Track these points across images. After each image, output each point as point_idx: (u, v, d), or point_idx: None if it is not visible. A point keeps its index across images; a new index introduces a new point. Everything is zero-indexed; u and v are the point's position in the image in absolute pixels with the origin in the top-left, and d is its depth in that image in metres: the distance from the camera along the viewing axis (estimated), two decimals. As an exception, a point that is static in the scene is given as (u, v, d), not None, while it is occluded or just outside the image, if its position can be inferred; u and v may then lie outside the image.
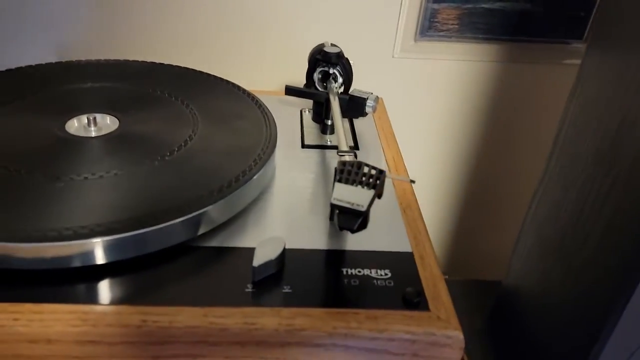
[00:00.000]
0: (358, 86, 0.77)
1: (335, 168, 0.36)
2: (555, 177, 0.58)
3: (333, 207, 0.33)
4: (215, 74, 0.56)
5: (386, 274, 0.37)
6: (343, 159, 0.38)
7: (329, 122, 0.53)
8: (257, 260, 0.35)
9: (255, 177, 0.41)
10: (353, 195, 0.33)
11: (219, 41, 0.76)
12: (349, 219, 0.33)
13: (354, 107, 0.52)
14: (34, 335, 0.31)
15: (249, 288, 0.35)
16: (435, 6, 0.80)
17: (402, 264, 0.38)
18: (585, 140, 0.52)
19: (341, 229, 0.34)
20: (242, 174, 0.41)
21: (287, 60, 0.76)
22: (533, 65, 0.81)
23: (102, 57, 0.57)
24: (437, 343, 0.33)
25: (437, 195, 0.91)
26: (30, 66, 0.54)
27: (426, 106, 0.85)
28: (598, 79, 0.51)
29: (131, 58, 0.58)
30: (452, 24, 0.81)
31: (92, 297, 0.33)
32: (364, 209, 0.32)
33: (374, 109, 0.53)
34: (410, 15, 0.80)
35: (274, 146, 0.45)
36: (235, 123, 0.48)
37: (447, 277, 0.86)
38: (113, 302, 0.33)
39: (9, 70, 0.52)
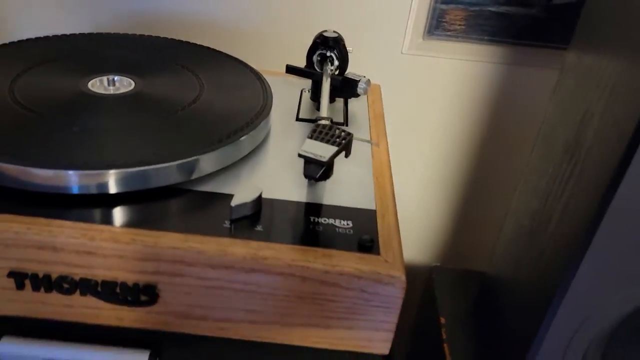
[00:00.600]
0: (369, 75, 0.82)
1: (312, 128, 0.41)
2: (534, 168, 0.62)
3: (300, 156, 0.38)
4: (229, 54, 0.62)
5: (348, 224, 0.42)
6: (320, 122, 0.43)
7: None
8: (235, 201, 0.40)
9: (245, 136, 0.47)
10: (319, 149, 0.39)
11: (240, 28, 0.83)
12: (313, 169, 0.38)
13: (347, 88, 0.57)
14: (43, 242, 0.37)
15: (227, 224, 0.40)
16: (443, 7, 0.85)
17: (364, 218, 0.43)
18: (558, 132, 0.56)
19: (306, 176, 0.39)
20: (233, 131, 0.46)
21: (297, 47, 0.81)
22: (537, 68, 0.85)
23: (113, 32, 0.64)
24: (381, 281, 0.38)
25: (436, 186, 0.95)
26: (65, 35, 0.61)
27: (430, 101, 0.89)
28: (574, 78, 0.55)
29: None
30: (459, 25, 0.86)
31: (92, 218, 0.39)
32: (325, 159, 0.37)
33: (365, 92, 0.58)
34: (419, 14, 0.84)
35: (268, 113, 0.51)
36: (236, 92, 0.54)
37: (438, 264, 0.90)
38: (109, 224, 0.39)
39: (46, 37, 0.60)
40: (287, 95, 0.61)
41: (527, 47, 0.85)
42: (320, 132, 0.40)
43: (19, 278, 0.39)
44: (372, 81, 0.83)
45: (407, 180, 0.95)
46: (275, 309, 0.40)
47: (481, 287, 0.76)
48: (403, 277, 0.38)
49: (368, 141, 0.42)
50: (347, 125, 0.56)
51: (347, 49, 0.60)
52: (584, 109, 0.50)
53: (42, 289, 0.39)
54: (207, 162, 0.45)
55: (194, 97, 0.52)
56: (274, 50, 0.83)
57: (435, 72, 0.88)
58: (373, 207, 0.44)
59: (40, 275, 0.39)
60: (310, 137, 0.40)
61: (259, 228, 0.40)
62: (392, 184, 0.49)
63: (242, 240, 0.39)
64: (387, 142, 0.55)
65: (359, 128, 0.56)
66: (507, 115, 0.89)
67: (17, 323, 0.41)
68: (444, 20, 0.86)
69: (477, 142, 0.91)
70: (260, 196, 0.42)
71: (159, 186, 0.43)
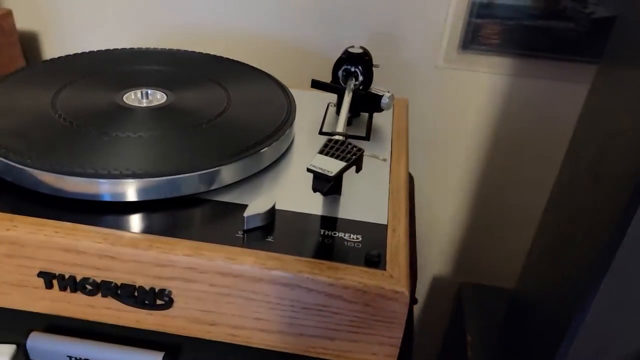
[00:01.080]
0: (400, 91, 0.83)
1: (324, 143, 0.42)
2: (562, 185, 0.60)
3: (308, 171, 0.39)
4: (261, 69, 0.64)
5: (357, 238, 0.43)
6: (333, 137, 0.44)
7: (348, 115, 0.59)
8: (248, 212, 0.42)
9: (266, 149, 0.49)
10: (328, 164, 0.40)
11: (276, 44, 0.86)
12: (321, 183, 0.39)
13: (371, 103, 0.58)
14: (68, 245, 0.40)
15: (239, 234, 0.42)
16: (479, 21, 0.84)
17: (374, 233, 0.43)
18: (584, 150, 0.55)
19: (315, 190, 0.40)
20: (254, 144, 0.48)
21: (330, 63, 0.83)
22: (573, 83, 0.83)
23: (167, 47, 0.67)
24: (385, 296, 0.38)
25: (465, 201, 0.94)
26: (109, 49, 0.65)
27: (463, 115, 0.89)
28: (602, 94, 0.54)
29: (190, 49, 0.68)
30: (495, 39, 0.85)
31: (114, 225, 0.42)
32: (332, 175, 0.38)
33: (389, 107, 0.58)
34: (454, 28, 0.84)
35: (289, 126, 0.52)
36: (262, 105, 0.56)
37: (466, 281, 0.89)
38: (129, 230, 0.41)
39: (91, 52, 0.64)
40: (315, 110, 0.63)
41: (564, 62, 0.83)
42: (332, 148, 0.42)
43: (47, 278, 0.42)
44: (405, 95, 0.84)
45: (438, 194, 0.94)
46: (282, 319, 0.41)
47: (508, 306, 0.75)
48: (407, 293, 0.38)
49: (377, 157, 0.43)
50: (368, 140, 0.57)
51: (374, 64, 0.61)
52: (611, 126, 0.49)
53: (68, 289, 0.42)
54: (227, 173, 0.47)
55: (220, 110, 0.54)
56: (307, 66, 0.85)
57: (470, 86, 0.88)
58: (384, 222, 0.45)
59: (66, 276, 0.41)
60: (321, 152, 0.41)
61: (269, 239, 0.42)
62: (407, 200, 0.49)
63: (252, 250, 0.40)
64: (407, 158, 0.55)
65: (380, 142, 0.57)
66: (539, 131, 0.87)
67: (45, 320, 0.44)
68: (479, 34, 0.85)
69: (508, 158, 0.89)
70: (273, 208, 0.43)
71: (179, 195, 0.45)
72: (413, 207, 0.61)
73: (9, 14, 0.77)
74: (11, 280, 0.42)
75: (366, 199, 0.48)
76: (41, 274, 0.42)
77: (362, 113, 0.62)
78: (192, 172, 0.44)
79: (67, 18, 0.88)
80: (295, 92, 0.60)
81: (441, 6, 0.82)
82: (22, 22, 0.87)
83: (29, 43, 0.89)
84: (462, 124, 0.89)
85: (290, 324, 0.41)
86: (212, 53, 0.67)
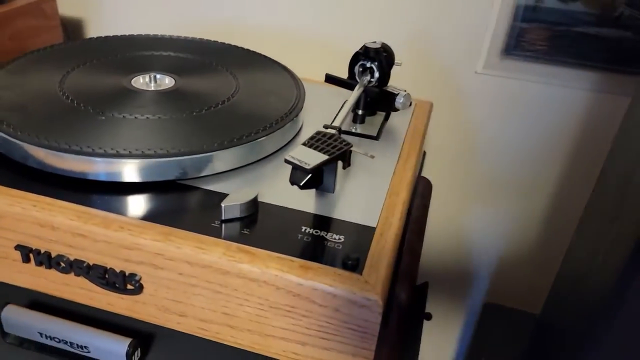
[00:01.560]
0: (437, 96, 0.79)
1: (311, 135, 0.40)
2: (593, 206, 0.55)
3: (285, 161, 0.37)
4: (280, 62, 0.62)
5: (339, 239, 0.40)
6: (326, 130, 0.41)
7: (360, 112, 0.56)
8: (226, 202, 0.40)
9: (262, 139, 0.47)
10: (308, 157, 0.37)
11: (307, 38, 0.84)
12: (298, 175, 0.37)
13: (385, 101, 0.55)
14: (44, 220, 0.40)
15: (216, 224, 0.40)
16: (524, 25, 0.79)
17: (359, 235, 0.40)
18: (616, 167, 0.49)
19: (292, 183, 0.38)
20: (249, 134, 0.46)
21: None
22: (623, 96, 0.76)
23: (183, 35, 0.67)
24: (357, 303, 0.35)
25: (496, 216, 0.88)
26: (128, 35, 0.65)
27: (501, 123, 0.83)
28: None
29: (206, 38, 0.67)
30: (541, 45, 0.79)
31: (93, 204, 0.41)
32: (309, 167, 0.36)
33: (404, 106, 0.55)
34: (497, 32, 0.79)
35: (292, 118, 0.50)
36: (270, 96, 0.54)
37: (491, 302, 0.83)
38: (103, 209, 0.40)
39: (110, 36, 0.64)
40: (328, 104, 0.60)
41: (618, 74, 0.76)
42: (318, 140, 0.39)
43: (24, 252, 0.41)
44: (440, 99, 0.79)
45: (462, 205, 0.89)
46: (250, 317, 0.39)
47: (531, 331, 0.69)
48: (380, 302, 0.35)
49: (365, 154, 0.40)
50: (377, 139, 0.54)
51: (396, 62, 0.58)
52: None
53: (44, 265, 0.42)
54: (218, 160, 0.45)
55: (226, 98, 0.52)
56: (341, 65, 0.83)
57: (511, 94, 0.82)
58: (373, 225, 0.41)
59: (42, 251, 0.41)
60: (305, 144, 0.38)
61: (245, 231, 0.39)
62: (407, 204, 0.45)
63: (223, 241, 0.38)
64: (416, 161, 0.52)
65: (390, 143, 0.54)
66: (580, 147, 0.80)
67: (25, 295, 0.44)
68: (523, 39, 0.80)
69: (542, 174, 0.83)
70: (254, 200, 0.41)
71: (165, 179, 0.43)
72: (424, 215, 0.57)
73: (51, -1, 0.80)
74: (-8, 251, 0.43)
75: (362, 199, 0.44)
76: (18, 247, 0.41)
77: (377, 112, 0.59)
78: (179, 157, 0.43)
79: (109, 5, 0.90)
80: (316, 87, 0.57)
81: (483, 8, 0.77)
82: (66, 9, 0.90)
83: (73, 28, 0.92)
84: (496, 132, 0.84)
85: (259, 323, 0.39)
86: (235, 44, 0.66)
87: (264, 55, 0.64)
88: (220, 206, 0.40)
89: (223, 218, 0.40)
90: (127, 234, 0.38)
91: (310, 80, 0.65)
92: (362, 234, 0.40)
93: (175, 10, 0.87)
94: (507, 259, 0.90)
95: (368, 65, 0.56)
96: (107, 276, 0.40)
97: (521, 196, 0.86)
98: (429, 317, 0.69)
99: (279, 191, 0.44)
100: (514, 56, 0.81)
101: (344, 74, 0.57)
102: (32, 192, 0.41)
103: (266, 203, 0.43)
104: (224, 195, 0.43)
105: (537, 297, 0.85)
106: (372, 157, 0.40)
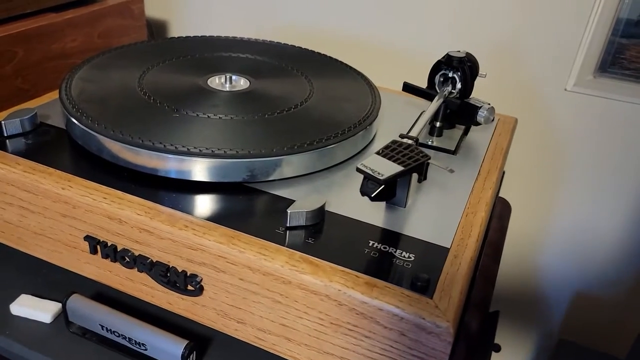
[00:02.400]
0: (521, 112, 0.74)
1: (386, 144, 0.37)
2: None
3: (357, 170, 0.35)
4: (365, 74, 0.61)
5: (409, 257, 0.37)
6: (402, 140, 0.39)
7: (438, 124, 0.53)
8: (292, 208, 0.38)
9: (333, 146, 0.45)
10: (382, 167, 0.35)
11: (389, 48, 0.82)
12: (370, 186, 0.34)
13: (466, 114, 0.52)
14: (112, 213, 0.40)
15: (280, 230, 0.38)
16: (624, 41, 0.73)
17: (431, 255, 0.37)
18: None
19: (362, 194, 0.36)
20: (320, 140, 0.45)
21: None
22: None
23: (267, 39, 0.67)
24: (425, 328, 0.32)
25: (581, 248, 0.81)
26: (210, 36, 0.66)
27: (592, 145, 0.77)
28: None
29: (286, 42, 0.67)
30: (642, 63, 0.73)
31: (158, 199, 0.40)
32: (382, 177, 0.33)
33: (487, 121, 0.51)
34: (592, 48, 0.74)
35: (365, 127, 0.48)
36: (344, 103, 0.52)
37: (567, 338, 0.76)
38: (170, 206, 0.40)
39: (193, 37, 0.65)
40: (406, 114, 0.58)
41: None
42: (393, 150, 0.37)
43: (92, 243, 0.42)
44: (525, 115, 0.75)
45: (548, 232, 0.83)
46: (309, 331, 0.37)
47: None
48: (451, 330, 0.32)
49: (443, 167, 0.37)
50: (455, 154, 0.51)
51: (480, 74, 0.54)
52: None
53: (109, 258, 0.42)
54: (287, 166, 0.44)
55: (300, 102, 0.51)
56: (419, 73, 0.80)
57: (604, 115, 0.76)
58: (447, 245, 0.38)
59: (109, 244, 0.41)
60: (379, 153, 0.36)
61: (309, 240, 0.38)
62: (484, 226, 0.42)
63: (287, 249, 0.37)
64: (496, 180, 0.48)
65: (469, 159, 0.50)
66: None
67: (90, 286, 0.45)
68: (622, 56, 0.74)
69: (630, 202, 0.75)
70: (321, 208, 0.39)
71: (232, 181, 0.43)
72: (501, 238, 0.53)
73: (139, 0, 0.83)
74: (63, 240, 0.43)
75: (436, 217, 0.42)
76: (87, 238, 0.42)
77: (457, 125, 0.56)
78: (248, 158, 0.42)
79: (193, 8, 0.92)
80: (394, 97, 0.55)
81: (578, 20, 0.72)
82: (152, 10, 0.93)
83: (158, 29, 0.95)
84: (584, 155, 0.78)
85: (318, 339, 0.37)
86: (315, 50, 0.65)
87: (341, 62, 0.62)
88: (286, 212, 0.39)
89: (288, 225, 0.39)
90: (191, 233, 0.38)
91: (388, 89, 0.63)
92: (434, 254, 0.38)
93: (258, 14, 0.88)
94: (588, 292, 0.83)
95: (450, 75, 0.53)
96: (169, 275, 0.40)
97: (601, 225, 0.79)
98: (498, 349, 0.65)
99: (347, 201, 0.42)
100: (610, 74, 0.75)
101: (422, 84, 0.55)
102: (104, 185, 0.42)
103: (333, 212, 0.41)
104: (290, 201, 0.42)
105: (622, 340, 0.78)
106: (452, 171, 0.37)
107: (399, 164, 0.35)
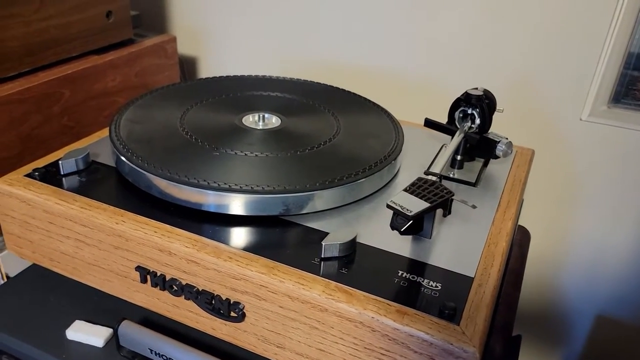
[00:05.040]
0: (537, 142, 0.77)
1: (413, 181, 0.41)
2: None
3: (387, 206, 0.38)
4: (381, 105, 0.64)
5: (436, 286, 0.40)
6: (426, 177, 0.42)
7: (458, 158, 0.57)
8: (327, 240, 0.42)
9: (361, 181, 0.49)
10: (410, 203, 0.38)
11: (406, 81, 0.86)
12: (399, 221, 0.38)
13: (485, 148, 0.55)
14: (163, 245, 0.43)
15: (315, 261, 0.42)
16: (636, 73, 0.76)
17: (457, 284, 0.40)
18: None
19: (392, 228, 0.39)
20: (348, 175, 0.48)
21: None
22: None
23: (294, 77, 0.71)
24: (453, 353, 0.35)
25: (595, 276, 0.83)
26: (240, 75, 0.71)
27: (607, 174, 0.80)
28: None
29: (311, 79, 0.71)
30: (654, 94, 0.76)
31: (202, 232, 0.44)
32: (411, 214, 0.37)
33: (506, 154, 0.55)
34: (605, 79, 0.77)
35: (390, 162, 0.52)
36: (369, 138, 0.56)
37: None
38: (213, 238, 0.43)
39: (225, 76, 0.70)
40: (427, 148, 0.61)
41: None
42: (419, 187, 0.40)
43: (143, 273, 0.46)
44: (541, 145, 0.78)
45: (566, 259, 0.85)
46: (345, 355, 0.40)
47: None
48: (477, 355, 0.35)
49: (465, 203, 0.40)
50: (476, 186, 0.54)
51: (498, 109, 0.58)
52: None
53: (158, 287, 0.45)
54: (319, 200, 0.47)
55: (327, 139, 0.55)
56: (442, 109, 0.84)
57: (619, 143, 0.79)
58: (471, 275, 0.41)
59: (158, 274, 0.45)
60: (406, 190, 0.39)
61: (344, 271, 0.41)
62: (505, 256, 0.45)
63: (323, 279, 0.40)
64: (515, 211, 0.51)
65: (489, 191, 0.53)
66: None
67: (139, 312, 0.48)
68: (635, 88, 0.77)
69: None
70: (353, 240, 0.43)
71: (269, 214, 0.46)
72: (521, 266, 0.56)
73: (173, 39, 0.88)
74: (115, 270, 0.47)
75: (460, 247, 0.45)
76: (138, 268, 0.46)
77: (476, 158, 0.59)
78: (284, 194, 0.46)
79: (221, 45, 0.97)
80: (415, 130, 0.59)
81: (590, 54, 0.75)
82: (183, 48, 0.99)
83: (188, 66, 1.01)
84: (600, 183, 0.80)
85: (352, 363, 0.40)
86: (345, 88, 0.69)
87: (364, 98, 0.66)
88: (321, 244, 0.42)
89: (322, 256, 0.42)
90: (235, 264, 0.41)
91: (409, 122, 0.66)
92: (459, 283, 0.40)
93: (282, 50, 0.93)
94: (609, 315, 0.85)
95: (469, 111, 0.56)
96: (213, 302, 0.43)
97: (620, 258, 0.81)
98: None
99: (375, 232, 0.45)
100: (624, 105, 0.78)
101: (441, 116, 0.58)
102: (154, 219, 0.46)
103: (363, 244, 0.44)
104: (322, 233, 0.45)
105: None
106: (474, 207, 0.40)
107: (425, 200, 0.39)
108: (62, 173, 0.51)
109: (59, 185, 0.50)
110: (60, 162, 0.51)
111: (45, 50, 0.69)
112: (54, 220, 0.48)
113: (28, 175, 0.51)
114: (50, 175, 0.51)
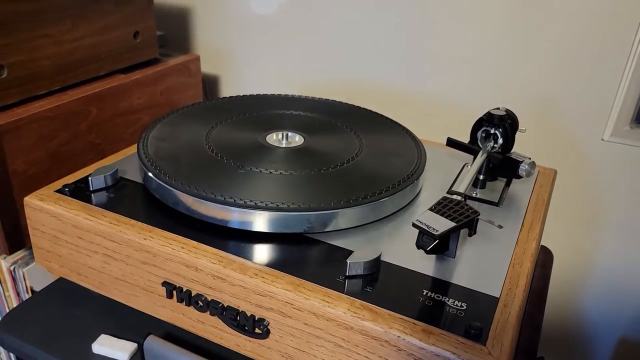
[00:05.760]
0: (559, 161, 0.77)
1: (438, 200, 0.41)
2: None
3: (413, 225, 0.38)
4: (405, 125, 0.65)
5: (461, 306, 0.40)
6: (451, 196, 0.43)
7: (481, 177, 0.57)
8: (351, 259, 0.42)
9: (384, 200, 0.49)
10: (436, 222, 0.38)
11: (428, 102, 0.86)
12: (425, 240, 0.38)
13: (508, 168, 0.55)
14: (190, 261, 0.44)
15: (340, 279, 0.42)
16: (659, 94, 0.75)
17: (482, 304, 0.40)
18: None
19: (418, 247, 0.39)
20: (372, 194, 0.49)
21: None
22: None
23: (316, 96, 0.72)
24: (479, 374, 0.35)
25: (615, 293, 0.82)
26: (263, 94, 0.72)
27: (630, 194, 0.79)
28: None
29: (333, 98, 0.72)
30: (677, 115, 0.75)
31: (227, 248, 0.45)
32: (437, 233, 0.37)
33: (529, 174, 0.55)
34: (627, 99, 0.77)
35: (413, 181, 0.52)
36: (392, 157, 0.56)
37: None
38: (239, 255, 0.44)
39: (246, 95, 0.71)
40: (449, 168, 0.61)
41: None
42: (445, 206, 0.40)
43: (169, 288, 0.46)
44: (563, 165, 0.77)
45: (589, 280, 0.84)
46: (369, 374, 0.40)
47: None
48: (504, 376, 0.35)
49: (492, 223, 0.40)
50: (499, 206, 0.54)
51: (520, 129, 0.58)
52: None
53: (184, 302, 0.46)
54: (343, 218, 0.48)
55: (350, 157, 0.56)
56: (459, 125, 0.84)
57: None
58: (497, 295, 0.41)
59: (184, 289, 0.46)
60: (432, 209, 0.40)
61: (368, 289, 0.41)
62: (530, 276, 0.45)
63: (348, 297, 0.40)
64: (540, 231, 0.51)
65: (513, 211, 0.53)
66: None
67: (164, 327, 0.49)
68: (658, 108, 0.76)
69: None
70: (377, 259, 0.43)
71: (294, 232, 0.47)
72: (545, 286, 0.56)
73: (196, 59, 0.90)
74: (141, 285, 0.48)
75: (484, 267, 0.45)
76: (165, 284, 0.46)
77: (498, 178, 0.59)
78: (308, 212, 0.46)
79: (243, 65, 0.99)
80: (436, 150, 0.59)
81: (614, 74, 0.75)
82: (206, 67, 1.01)
83: (211, 84, 1.03)
84: (622, 203, 0.79)
85: (377, 382, 0.40)
86: (362, 105, 0.70)
87: (386, 117, 0.67)
88: (345, 262, 0.42)
89: (347, 274, 0.42)
90: (260, 280, 0.42)
91: (430, 142, 0.67)
92: (485, 303, 0.40)
93: (300, 69, 0.94)
94: (633, 337, 0.83)
95: (492, 131, 0.56)
96: (238, 318, 0.44)
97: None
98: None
99: (398, 251, 0.46)
100: (647, 125, 0.77)
101: (460, 135, 0.59)
102: (181, 235, 0.46)
103: (386, 262, 0.44)
104: (346, 251, 0.45)
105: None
106: (501, 227, 0.40)
107: (451, 219, 0.39)
108: (91, 189, 0.52)
109: (88, 200, 0.51)
110: (90, 178, 0.52)
111: (75, 69, 0.71)
112: (83, 235, 0.49)
113: (58, 191, 0.52)
114: (79, 191, 0.52)
